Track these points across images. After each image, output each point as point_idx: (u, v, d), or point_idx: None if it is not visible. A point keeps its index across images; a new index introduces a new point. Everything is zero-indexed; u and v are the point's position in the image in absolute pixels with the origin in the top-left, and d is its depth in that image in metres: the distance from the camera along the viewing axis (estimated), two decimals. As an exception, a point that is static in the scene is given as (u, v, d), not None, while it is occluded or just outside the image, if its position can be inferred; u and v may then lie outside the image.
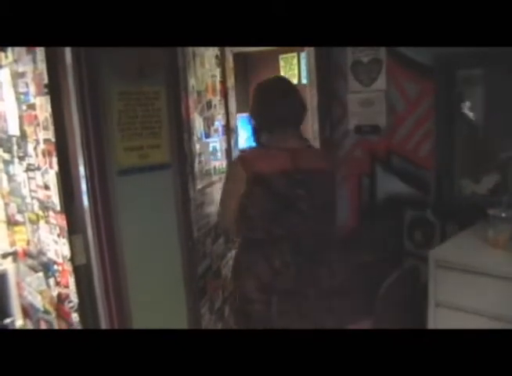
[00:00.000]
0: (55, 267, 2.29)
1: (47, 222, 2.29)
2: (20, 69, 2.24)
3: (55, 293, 2.35)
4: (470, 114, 2.50)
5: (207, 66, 2.70)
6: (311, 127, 2.97)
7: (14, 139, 2.47)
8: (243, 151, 2.46)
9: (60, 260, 2.22)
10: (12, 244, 2.85)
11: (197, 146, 2.54)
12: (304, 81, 4.40)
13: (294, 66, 4.68)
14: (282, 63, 4.76)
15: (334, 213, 2.15)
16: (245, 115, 4.74)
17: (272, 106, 2.01)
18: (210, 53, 2.76)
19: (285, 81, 2.12)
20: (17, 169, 2.52)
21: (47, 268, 2.39)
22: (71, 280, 2.15)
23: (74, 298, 2.15)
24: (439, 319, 2.08)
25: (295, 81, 4.68)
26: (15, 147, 2.48)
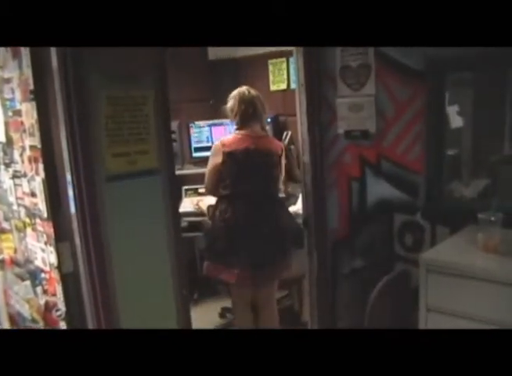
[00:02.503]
0: (43, 275, 2.26)
1: (34, 229, 2.26)
2: (6, 75, 2.21)
3: (42, 301, 2.32)
4: (459, 118, 2.50)
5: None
6: (300, 131, 2.97)
7: (0, 146, 2.44)
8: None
9: (47, 268, 2.19)
10: (-1, 252, 2.82)
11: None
12: (293, 85, 4.40)
13: (283, 71, 4.66)
14: (271, 68, 4.75)
15: (277, 180, 3.16)
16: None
17: (242, 110, 3.01)
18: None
19: (250, 92, 3.04)
20: (3, 176, 2.49)
21: (34, 276, 2.36)
22: (59, 288, 2.12)
23: (62, 306, 2.12)
24: (430, 323, 2.07)
25: (284, 85, 4.69)
26: (0, 154, 2.45)
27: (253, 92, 3.06)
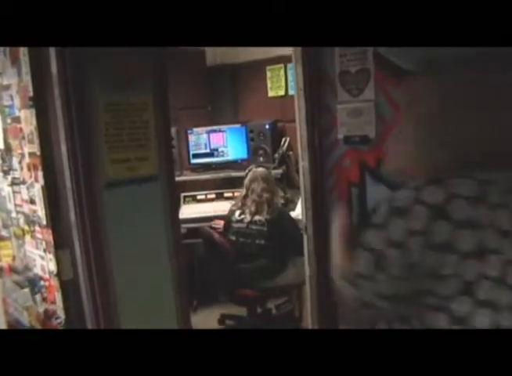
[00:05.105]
0: (42, 283, 2.25)
1: (33, 236, 2.24)
2: (5, 82, 2.21)
3: (41, 309, 2.30)
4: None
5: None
6: (299, 137, 2.96)
7: (-2, 153, 2.43)
8: None
9: (47, 275, 2.18)
10: (-3, 259, 2.80)
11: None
12: (291, 92, 4.41)
13: (281, 77, 4.68)
14: (269, 74, 4.76)
15: None
16: (234, 126, 4.76)
17: None
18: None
19: None
20: (2, 183, 2.48)
21: (33, 283, 2.35)
22: (58, 296, 2.10)
23: (62, 314, 2.11)
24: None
25: (282, 92, 4.70)
26: (-1, 161, 2.45)
27: None
